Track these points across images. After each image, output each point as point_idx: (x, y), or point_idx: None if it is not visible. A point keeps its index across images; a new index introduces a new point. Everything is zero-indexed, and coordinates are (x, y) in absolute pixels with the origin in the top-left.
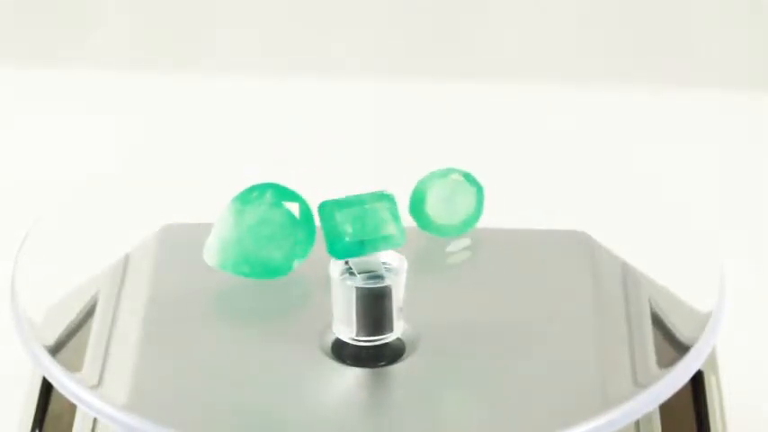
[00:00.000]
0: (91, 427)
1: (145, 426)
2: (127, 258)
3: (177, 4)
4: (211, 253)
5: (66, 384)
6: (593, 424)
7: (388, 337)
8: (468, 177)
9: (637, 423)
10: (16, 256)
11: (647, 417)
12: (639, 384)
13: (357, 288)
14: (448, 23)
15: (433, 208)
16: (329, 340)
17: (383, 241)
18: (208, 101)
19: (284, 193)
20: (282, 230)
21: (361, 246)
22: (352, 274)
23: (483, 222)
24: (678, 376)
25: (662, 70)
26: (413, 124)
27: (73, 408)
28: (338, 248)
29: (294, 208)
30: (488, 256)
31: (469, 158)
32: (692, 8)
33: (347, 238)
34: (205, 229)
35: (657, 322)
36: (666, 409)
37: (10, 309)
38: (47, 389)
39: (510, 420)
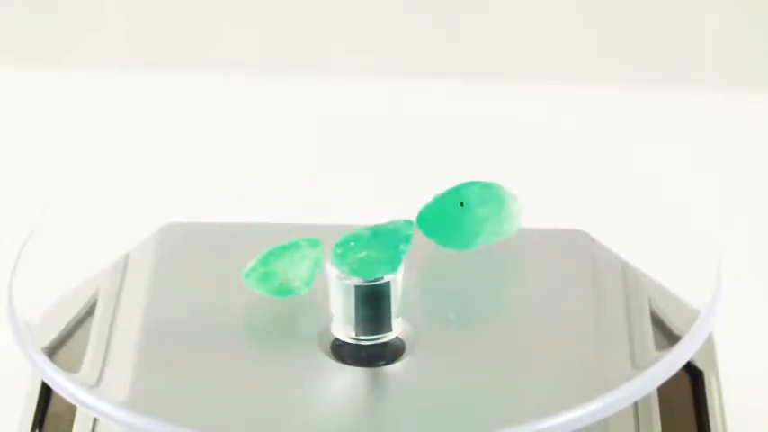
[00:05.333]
0: (91, 427)
1: (145, 423)
2: (127, 258)
3: (177, 4)
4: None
5: (63, 384)
6: (590, 407)
7: (388, 336)
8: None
9: (637, 423)
10: (16, 256)
11: (647, 417)
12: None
13: (356, 287)
14: (448, 23)
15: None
16: (329, 340)
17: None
18: (208, 101)
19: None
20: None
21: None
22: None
23: None
24: (673, 360)
25: (662, 70)
26: (412, 124)
27: (73, 408)
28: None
29: None
30: (488, 255)
31: (469, 158)
32: (692, 8)
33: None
34: (205, 228)
35: (657, 321)
36: (666, 408)
37: (7, 310)
38: (47, 389)
39: (510, 420)
